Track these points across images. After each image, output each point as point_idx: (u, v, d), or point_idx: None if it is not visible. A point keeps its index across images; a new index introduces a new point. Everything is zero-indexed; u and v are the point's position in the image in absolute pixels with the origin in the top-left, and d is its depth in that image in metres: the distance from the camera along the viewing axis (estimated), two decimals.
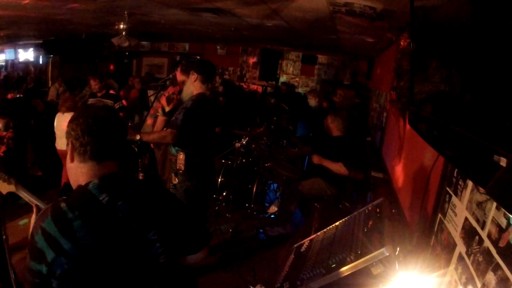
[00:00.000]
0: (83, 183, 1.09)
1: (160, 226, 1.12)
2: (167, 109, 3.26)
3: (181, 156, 2.65)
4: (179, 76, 3.36)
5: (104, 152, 1.11)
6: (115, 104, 4.71)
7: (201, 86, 2.72)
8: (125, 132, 1.20)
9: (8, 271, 2.13)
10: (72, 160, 1.11)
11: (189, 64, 2.87)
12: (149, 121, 3.66)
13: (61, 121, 4.20)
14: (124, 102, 4.83)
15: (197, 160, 2.70)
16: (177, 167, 2.68)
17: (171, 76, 3.65)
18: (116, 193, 1.06)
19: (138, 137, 2.49)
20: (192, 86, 2.73)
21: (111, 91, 4.85)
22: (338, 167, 3.41)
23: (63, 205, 1.02)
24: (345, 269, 1.18)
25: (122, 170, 1.16)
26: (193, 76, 2.72)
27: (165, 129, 2.76)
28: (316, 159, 3.59)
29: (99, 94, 4.73)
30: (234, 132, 4.67)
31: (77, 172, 1.11)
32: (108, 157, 1.11)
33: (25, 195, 1.28)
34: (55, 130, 4.25)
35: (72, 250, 0.96)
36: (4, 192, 1.32)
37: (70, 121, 1.12)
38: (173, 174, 2.73)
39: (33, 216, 1.25)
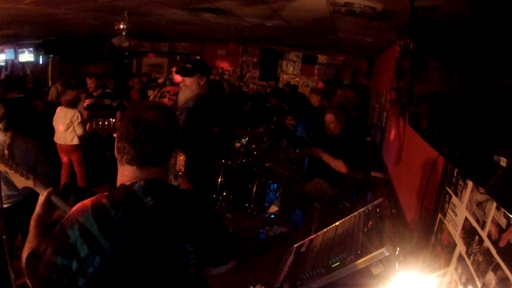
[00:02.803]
0: (127, 183, 1.06)
1: (197, 238, 1.10)
2: (156, 100, 3.26)
3: (181, 157, 2.61)
4: (178, 78, 3.36)
5: (144, 159, 1.06)
6: (113, 102, 4.72)
7: (207, 87, 2.72)
8: (174, 136, 1.13)
9: (8, 271, 2.12)
10: (118, 159, 1.10)
11: (187, 66, 2.82)
12: None
13: (60, 115, 4.21)
14: (125, 102, 4.84)
15: (198, 161, 2.68)
16: (177, 169, 2.63)
17: (170, 76, 3.64)
18: (160, 198, 1.04)
19: None
20: (197, 89, 2.69)
21: (107, 90, 4.87)
22: (338, 164, 3.39)
23: (105, 201, 0.98)
24: (345, 269, 1.18)
25: (165, 175, 1.14)
26: (202, 79, 2.69)
27: None
28: (316, 151, 3.57)
29: (95, 94, 4.74)
30: (234, 132, 4.67)
31: (120, 172, 1.10)
32: (149, 163, 1.07)
33: (42, 191, 1.28)
34: (54, 123, 4.25)
35: (110, 250, 0.93)
36: (20, 186, 1.31)
37: (119, 119, 1.12)
38: (172, 176, 2.68)
39: (40, 202, 1.24)
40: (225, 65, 10.25)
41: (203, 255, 1.14)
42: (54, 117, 4.26)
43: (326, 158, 3.47)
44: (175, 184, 2.68)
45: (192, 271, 1.10)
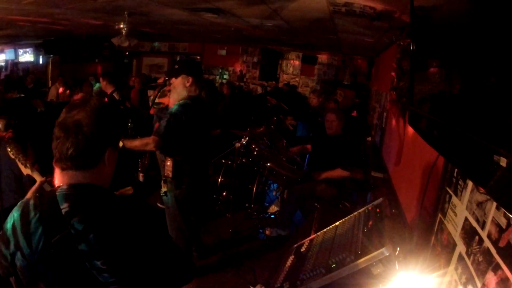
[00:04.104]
0: (56, 184, 1.03)
1: (113, 257, 0.97)
2: (156, 100, 3.26)
3: (169, 163, 2.54)
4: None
5: (65, 162, 0.99)
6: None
7: (195, 89, 2.59)
8: (101, 137, 1.03)
9: None
10: None
11: (175, 67, 2.75)
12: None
13: None
14: (127, 104, 4.85)
15: (187, 167, 2.58)
16: (165, 174, 2.58)
17: None
18: (77, 207, 0.97)
19: (121, 144, 2.34)
20: (184, 90, 2.57)
21: (115, 93, 4.87)
22: (339, 173, 3.44)
23: (32, 202, 1.02)
24: (345, 269, 1.18)
25: (100, 181, 1.05)
26: (187, 79, 2.56)
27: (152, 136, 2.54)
28: (316, 175, 3.60)
29: (107, 93, 4.76)
30: (234, 132, 4.67)
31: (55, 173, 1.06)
32: (71, 167, 1.00)
33: (38, 179, 1.34)
34: None
35: (26, 249, 0.97)
36: (25, 173, 1.40)
37: None
38: (162, 181, 2.64)
39: (32, 189, 1.25)
40: (225, 65, 10.26)
41: (129, 276, 0.99)
42: None
43: (327, 175, 3.51)
44: (164, 189, 2.62)
45: None
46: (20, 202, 1.05)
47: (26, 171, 1.39)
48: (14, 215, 1.02)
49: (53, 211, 0.97)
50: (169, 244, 1.11)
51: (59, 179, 1.03)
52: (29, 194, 1.24)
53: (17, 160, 1.40)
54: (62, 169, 1.01)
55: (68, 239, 0.95)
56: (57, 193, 1.00)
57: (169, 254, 1.09)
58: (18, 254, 0.98)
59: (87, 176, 1.02)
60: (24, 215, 1.00)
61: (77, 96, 4.34)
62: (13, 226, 1.00)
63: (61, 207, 0.97)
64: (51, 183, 1.30)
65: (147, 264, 1.02)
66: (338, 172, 3.44)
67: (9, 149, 1.43)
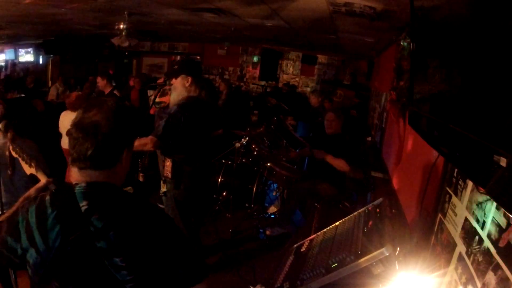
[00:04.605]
0: (73, 181, 1.04)
1: (131, 254, 0.99)
2: (157, 99, 3.27)
3: (168, 163, 2.53)
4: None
5: (84, 162, 1.01)
6: None
7: (195, 89, 2.58)
8: (118, 137, 1.05)
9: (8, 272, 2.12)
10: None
11: (174, 68, 2.73)
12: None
13: (65, 120, 4.20)
14: (126, 103, 4.86)
15: (187, 167, 2.56)
16: (165, 174, 2.58)
17: None
18: (96, 204, 0.98)
19: None
20: (183, 91, 2.56)
21: (115, 91, 4.86)
22: (340, 163, 3.43)
23: (47, 198, 1.01)
24: (345, 269, 1.18)
25: (116, 180, 1.07)
26: (187, 79, 2.54)
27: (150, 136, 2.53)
28: (320, 153, 3.59)
29: (106, 92, 4.75)
30: (234, 132, 4.68)
31: (71, 171, 1.07)
32: (90, 166, 1.02)
33: (43, 179, 1.33)
34: (61, 129, 4.25)
35: (41, 246, 0.96)
36: (28, 173, 1.39)
37: None
38: (161, 181, 2.64)
39: (37, 186, 1.24)
40: (225, 65, 10.24)
41: (146, 274, 1.01)
42: (60, 123, 4.24)
43: (329, 159, 3.50)
44: (164, 189, 2.61)
45: (129, 287, 1.00)
46: (33, 197, 1.05)
47: (30, 170, 1.37)
48: (28, 210, 1.00)
49: (72, 209, 0.98)
50: (184, 242, 1.13)
51: (75, 177, 1.04)
52: (32, 190, 1.24)
53: (20, 160, 1.39)
54: (80, 168, 1.02)
55: (87, 236, 0.96)
56: (75, 190, 1.00)
57: (184, 252, 1.11)
58: (32, 250, 0.96)
59: (105, 175, 1.04)
60: (39, 211, 0.99)
61: (72, 97, 4.27)
62: (27, 221, 0.99)
63: (80, 204, 0.98)
64: (57, 182, 1.30)
65: (164, 261, 1.04)
66: (340, 162, 3.42)
67: (12, 148, 1.42)
